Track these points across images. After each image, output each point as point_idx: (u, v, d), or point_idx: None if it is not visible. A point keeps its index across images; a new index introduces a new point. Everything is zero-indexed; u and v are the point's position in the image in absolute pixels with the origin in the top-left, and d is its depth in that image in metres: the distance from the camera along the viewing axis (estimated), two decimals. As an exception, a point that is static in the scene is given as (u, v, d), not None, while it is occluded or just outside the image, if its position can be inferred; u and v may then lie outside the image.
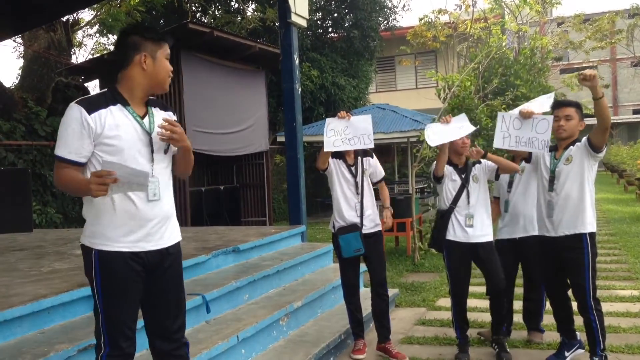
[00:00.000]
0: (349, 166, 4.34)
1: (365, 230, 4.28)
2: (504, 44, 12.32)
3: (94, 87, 14.15)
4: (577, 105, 3.93)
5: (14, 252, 5.28)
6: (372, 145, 4.17)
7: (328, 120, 4.18)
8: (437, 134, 4.21)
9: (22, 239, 6.37)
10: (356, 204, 4.30)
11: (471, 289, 4.44)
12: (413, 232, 8.27)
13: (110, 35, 14.29)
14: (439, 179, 4.32)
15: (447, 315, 5.24)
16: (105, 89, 2.53)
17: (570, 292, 3.98)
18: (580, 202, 3.80)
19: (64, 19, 12.30)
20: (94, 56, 15.35)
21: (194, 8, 15.67)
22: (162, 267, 2.52)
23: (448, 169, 4.30)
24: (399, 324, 5.12)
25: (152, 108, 2.56)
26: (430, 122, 4.45)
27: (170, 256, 2.56)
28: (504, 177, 4.46)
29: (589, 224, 3.80)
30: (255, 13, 15.51)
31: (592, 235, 3.81)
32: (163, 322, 2.56)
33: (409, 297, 6.12)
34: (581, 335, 4.09)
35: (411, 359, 4.29)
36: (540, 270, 4.20)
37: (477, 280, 4.38)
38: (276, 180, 15.02)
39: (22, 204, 7.01)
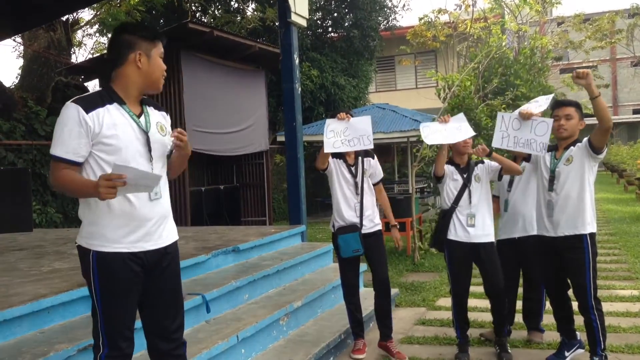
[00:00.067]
0: (349, 166, 4.34)
1: (364, 230, 4.28)
2: (503, 43, 12.33)
3: (93, 86, 14.13)
4: (577, 105, 3.93)
5: (14, 252, 5.28)
6: (371, 146, 4.17)
7: (328, 121, 4.18)
8: (435, 133, 4.21)
9: (22, 239, 6.37)
10: (356, 204, 4.30)
11: (471, 288, 4.44)
12: (413, 232, 8.28)
13: (110, 35, 14.27)
14: (439, 179, 4.32)
15: (447, 315, 5.24)
16: (100, 88, 2.51)
17: (570, 292, 3.98)
18: (580, 202, 3.80)
19: (64, 18, 12.30)
20: (94, 56, 15.34)
21: (193, 8, 15.66)
22: (161, 266, 2.51)
23: (450, 169, 4.29)
24: (399, 324, 5.12)
25: (147, 107, 2.55)
26: (428, 122, 4.41)
27: (168, 255, 2.55)
28: (505, 177, 4.45)
29: (589, 225, 3.80)
30: (255, 13, 15.51)
31: (592, 235, 3.81)
32: (162, 322, 2.55)
33: (409, 296, 6.12)
34: (581, 335, 4.09)
35: (411, 358, 4.29)
36: (540, 270, 4.20)
37: (478, 280, 4.39)
38: (276, 180, 15.02)
39: (22, 204, 7.00)
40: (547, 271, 4.05)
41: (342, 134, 4.12)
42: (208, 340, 3.58)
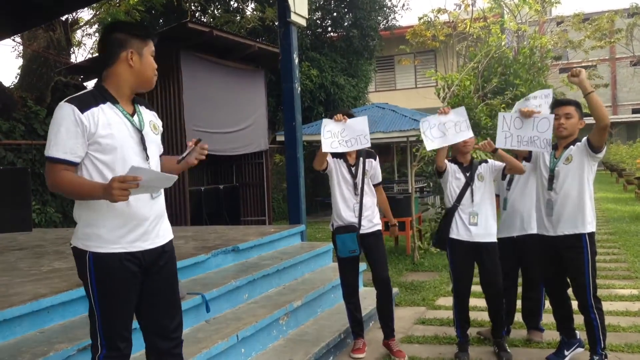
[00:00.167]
0: (349, 166, 4.34)
1: (363, 230, 4.28)
2: (503, 43, 12.33)
3: (93, 86, 14.13)
4: (577, 104, 3.93)
5: (14, 252, 5.28)
6: (368, 145, 4.18)
7: (324, 121, 4.19)
8: (433, 129, 4.19)
9: (21, 238, 6.37)
10: (354, 204, 4.29)
11: (472, 287, 4.44)
12: (412, 232, 8.28)
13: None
14: (440, 174, 4.32)
15: (447, 314, 5.25)
16: (92, 88, 2.48)
17: (570, 291, 3.99)
18: (580, 201, 3.80)
19: (63, 18, 12.30)
20: (93, 55, 15.32)
21: (193, 7, 15.66)
22: (158, 265, 2.51)
23: (453, 167, 4.30)
24: (399, 323, 5.11)
25: (139, 106, 2.54)
26: (428, 116, 4.37)
27: (165, 254, 2.54)
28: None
29: (589, 224, 3.81)
30: (255, 12, 15.50)
31: (591, 234, 3.81)
32: (162, 321, 2.55)
33: (408, 296, 6.13)
34: (581, 334, 4.09)
35: (411, 358, 4.30)
36: (540, 269, 4.21)
37: (478, 279, 4.40)
38: (276, 180, 15.02)
39: (22, 204, 7.00)
40: (547, 270, 4.06)
41: (339, 135, 4.13)
42: (208, 340, 3.58)
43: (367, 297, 4.95)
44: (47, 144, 2.33)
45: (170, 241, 2.61)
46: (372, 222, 4.35)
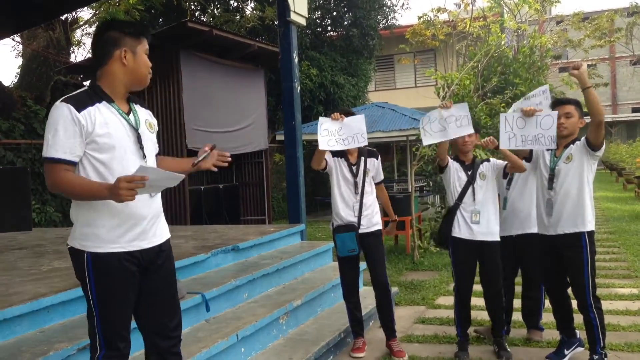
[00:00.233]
0: (350, 165, 4.33)
1: (362, 230, 4.28)
2: (503, 42, 12.33)
3: (88, 85, 14.14)
4: (577, 103, 3.93)
5: (14, 251, 5.28)
6: (365, 143, 4.19)
7: (321, 119, 4.19)
8: (434, 123, 4.18)
9: (21, 238, 6.37)
10: (354, 203, 4.29)
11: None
12: (412, 231, 8.28)
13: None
14: (442, 168, 4.32)
15: (447, 313, 5.25)
16: (87, 87, 2.47)
17: (569, 291, 3.99)
18: (580, 200, 3.80)
19: (63, 17, 12.30)
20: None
21: (193, 6, 15.65)
22: (156, 264, 2.50)
23: (455, 165, 4.30)
24: (399, 323, 5.10)
25: (134, 105, 2.54)
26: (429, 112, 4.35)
27: (163, 253, 2.54)
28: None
29: (589, 223, 3.81)
30: (255, 12, 15.50)
31: (591, 233, 3.81)
32: (162, 320, 2.54)
33: (408, 295, 6.13)
34: (581, 334, 4.09)
35: (411, 357, 4.30)
36: (540, 269, 4.21)
37: (477, 278, 4.40)
38: (275, 179, 15.02)
39: (22, 203, 7.00)
40: (547, 269, 4.06)
41: (336, 133, 4.13)
42: (208, 339, 3.58)
43: (367, 296, 4.94)
44: (44, 145, 2.30)
45: (168, 240, 2.61)
46: (371, 221, 4.34)
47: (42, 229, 8.18)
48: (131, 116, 2.47)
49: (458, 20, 17.02)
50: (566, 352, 4.04)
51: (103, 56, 2.43)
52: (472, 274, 4.31)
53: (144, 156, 2.45)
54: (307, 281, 5.28)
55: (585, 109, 3.90)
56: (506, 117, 3.97)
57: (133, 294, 2.45)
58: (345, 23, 16.98)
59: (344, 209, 4.30)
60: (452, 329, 4.57)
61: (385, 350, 4.40)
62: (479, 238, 4.17)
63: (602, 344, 3.78)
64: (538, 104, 4.01)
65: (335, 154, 4.33)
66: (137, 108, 2.54)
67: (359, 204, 4.28)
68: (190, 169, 2.68)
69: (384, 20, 18.26)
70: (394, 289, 5.78)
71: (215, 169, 2.72)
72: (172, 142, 9.22)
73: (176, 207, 9.20)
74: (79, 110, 2.29)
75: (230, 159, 2.74)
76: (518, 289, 4.68)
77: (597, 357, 3.78)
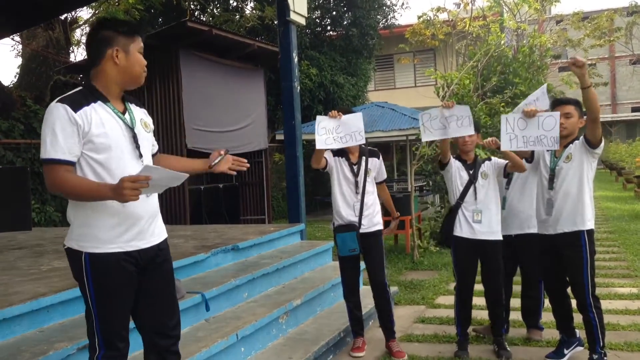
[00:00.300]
0: (351, 164, 4.33)
1: (363, 230, 4.27)
2: (502, 42, 12.32)
3: (82, 85, 14.13)
4: (577, 103, 3.94)
5: (13, 251, 5.28)
6: (363, 141, 4.19)
7: (319, 118, 4.18)
8: (435, 121, 4.17)
9: (21, 238, 6.37)
10: (355, 202, 4.28)
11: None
12: (412, 230, 8.28)
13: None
14: (443, 165, 4.32)
15: (447, 313, 5.25)
16: (81, 87, 2.45)
17: (569, 290, 3.99)
18: (579, 199, 3.80)
19: (63, 17, 12.29)
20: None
21: (192, 6, 15.65)
22: (155, 263, 2.50)
23: (457, 164, 4.30)
24: (398, 322, 5.11)
25: (129, 104, 2.53)
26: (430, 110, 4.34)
27: (161, 252, 2.54)
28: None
29: (588, 221, 3.81)
30: (254, 11, 15.49)
31: (590, 232, 3.82)
32: (161, 319, 2.54)
33: (408, 295, 6.13)
34: (580, 333, 4.10)
35: (410, 356, 4.30)
36: (539, 268, 4.21)
37: (477, 277, 4.41)
38: (275, 179, 15.02)
39: (21, 203, 7.00)
40: (546, 269, 4.06)
41: (334, 131, 4.13)
42: (208, 339, 3.58)
43: (367, 295, 4.94)
44: (42, 147, 2.28)
45: (165, 239, 2.60)
46: (372, 221, 4.34)
47: (41, 228, 8.17)
48: (127, 115, 2.46)
49: (458, 19, 17.00)
50: (566, 351, 4.05)
51: (96, 55, 2.42)
52: (474, 273, 4.31)
53: (141, 155, 2.45)
54: (306, 281, 5.28)
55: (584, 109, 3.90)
56: (507, 118, 3.96)
57: (131, 294, 2.44)
58: (345, 23, 16.97)
59: (344, 208, 4.30)
60: (452, 328, 4.58)
61: (384, 350, 4.40)
62: (480, 237, 4.17)
63: (601, 344, 3.79)
64: (535, 101, 4.02)
65: (336, 153, 4.33)
66: (133, 107, 2.53)
67: (360, 203, 4.28)
68: (204, 169, 2.72)
69: (384, 20, 18.25)
70: (393, 289, 5.78)
71: (234, 173, 2.77)
72: (171, 141, 9.21)
73: (176, 207, 9.19)
74: (75, 110, 2.28)
75: (248, 165, 2.78)
76: (517, 288, 4.68)
77: (596, 356, 3.78)
